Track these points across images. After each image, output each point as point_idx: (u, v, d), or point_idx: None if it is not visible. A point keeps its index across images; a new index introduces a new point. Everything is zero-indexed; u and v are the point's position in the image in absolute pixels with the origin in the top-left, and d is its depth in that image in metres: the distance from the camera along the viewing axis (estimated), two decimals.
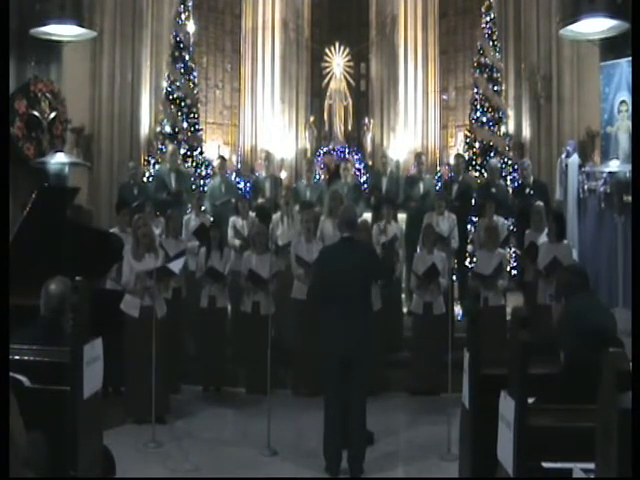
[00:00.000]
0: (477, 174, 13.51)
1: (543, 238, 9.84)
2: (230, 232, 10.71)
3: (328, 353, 6.80)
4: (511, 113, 14.71)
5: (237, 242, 10.56)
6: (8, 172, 4.59)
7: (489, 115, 14.15)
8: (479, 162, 13.72)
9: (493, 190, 11.86)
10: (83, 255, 7.78)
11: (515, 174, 13.13)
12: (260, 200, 12.25)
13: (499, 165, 12.99)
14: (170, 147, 13.32)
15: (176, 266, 8.48)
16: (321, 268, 7.11)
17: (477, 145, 14.08)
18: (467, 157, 13.73)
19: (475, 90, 14.46)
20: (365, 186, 13.93)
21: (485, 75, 14.29)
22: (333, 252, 7.14)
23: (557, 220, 9.76)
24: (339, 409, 6.76)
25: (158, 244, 8.94)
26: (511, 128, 14.61)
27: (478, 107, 14.26)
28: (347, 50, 17.30)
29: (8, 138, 4.84)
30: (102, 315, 7.29)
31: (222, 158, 13.20)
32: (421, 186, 12.14)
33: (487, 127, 14.09)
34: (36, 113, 11.42)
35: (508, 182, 13.11)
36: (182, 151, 13.98)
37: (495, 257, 9.67)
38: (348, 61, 17.37)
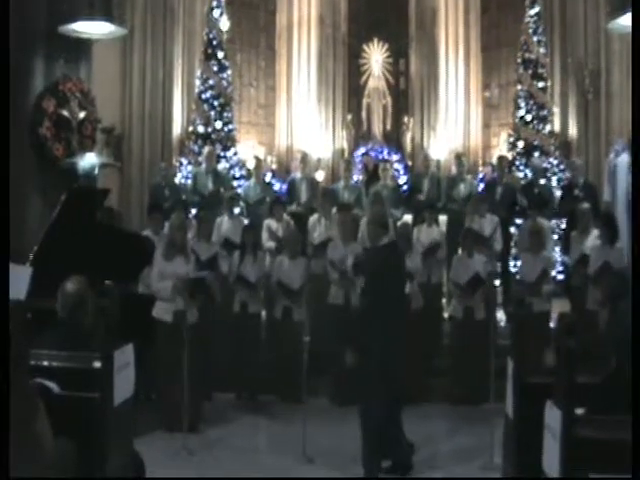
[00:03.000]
0: (521, 175, 13.43)
1: (590, 241, 9.74)
2: (264, 235, 10.74)
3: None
4: (557, 110, 14.62)
5: (271, 244, 10.59)
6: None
7: (534, 113, 14.08)
8: (523, 162, 13.65)
9: (537, 191, 11.78)
10: (114, 258, 7.85)
11: (561, 174, 13.05)
12: (295, 206, 12.22)
13: (544, 165, 12.91)
14: (207, 148, 13.36)
15: (204, 276, 8.52)
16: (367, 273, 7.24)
17: (521, 144, 14.01)
18: (510, 157, 13.66)
19: (519, 87, 14.40)
20: (405, 187, 13.90)
21: (529, 71, 14.23)
22: (379, 255, 7.17)
23: (608, 223, 9.62)
24: (379, 417, 6.76)
25: (190, 247, 8.99)
26: (557, 126, 14.52)
27: (522, 105, 14.20)
28: (386, 46, 17.30)
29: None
30: (134, 320, 7.37)
31: (257, 159, 13.24)
32: (462, 187, 12.09)
33: (531, 125, 14.02)
34: (65, 113, 11.52)
35: (554, 183, 13.02)
36: (215, 151, 14.01)
37: (539, 261, 9.58)
38: (387, 57, 17.36)
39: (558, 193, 12.38)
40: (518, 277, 9.77)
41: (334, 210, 10.88)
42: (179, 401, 7.66)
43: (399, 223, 10.68)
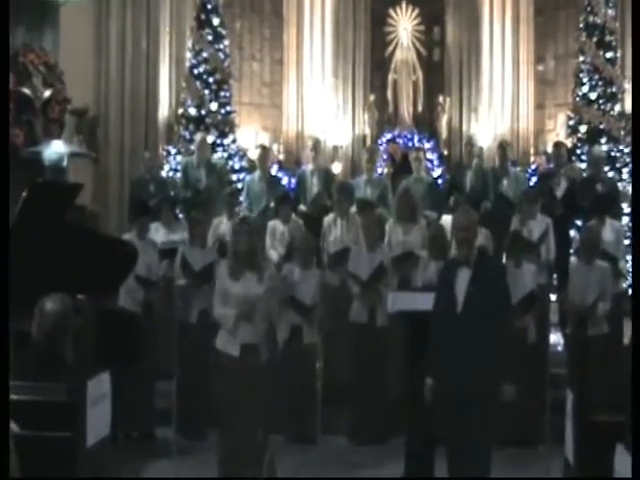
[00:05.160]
0: (584, 165, 13.36)
1: None
2: (268, 240, 10.71)
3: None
4: (628, 87, 14.54)
5: (275, 253, 10.59)
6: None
7: (599, 90, 14.04)
8: (586, 150, 13.58)
9: (598, 186, 11.71)
10: (88, 268, 7.83)
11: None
12: (306, 204, 12.20)
13: (612, 154, 12.87)
14: (199, 135, 13.36)
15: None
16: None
17: (583, 129, 13.96)
18: (570, 144, 13.60)
19: (581, 58, 14.38)
20: (440, 181, 13.87)
21: (594, 39, 14.19)
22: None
23: None
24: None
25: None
26: (628, 106, 14.45)
27: (585, 80, 14.16)
28: (416, 11, 17.32)
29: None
30: (111, 342, 7.36)
31: (263, 147, 13.21)
32: (504, 183, 12.04)
33: (596, 106, 13.98)
34: (27, 91, 11.53)
35: (625, 175, 12.96)
36: (210, 138, 14.01)
37: (594, 272, 9.47)
38: (417, 25, 17.40)
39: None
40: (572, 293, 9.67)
41: (353, 209, 10.87)
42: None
43: (431, 224, 10.64)
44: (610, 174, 12.57)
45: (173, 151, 14.42)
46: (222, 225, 10.86)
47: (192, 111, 14.58)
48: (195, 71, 14.70)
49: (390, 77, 17.37)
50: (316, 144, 13.34)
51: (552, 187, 11.84)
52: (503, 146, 12.77)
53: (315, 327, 9.01)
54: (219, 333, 7.74)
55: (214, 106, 14.60)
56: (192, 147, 13.42)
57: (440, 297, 6.82)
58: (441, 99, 17.24)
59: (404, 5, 17.35)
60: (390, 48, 17.51)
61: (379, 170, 13.94)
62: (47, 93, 11.75)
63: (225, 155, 14.39)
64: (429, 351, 6.74)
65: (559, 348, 10.76)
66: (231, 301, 7.52)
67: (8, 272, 4.58)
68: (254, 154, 13.67)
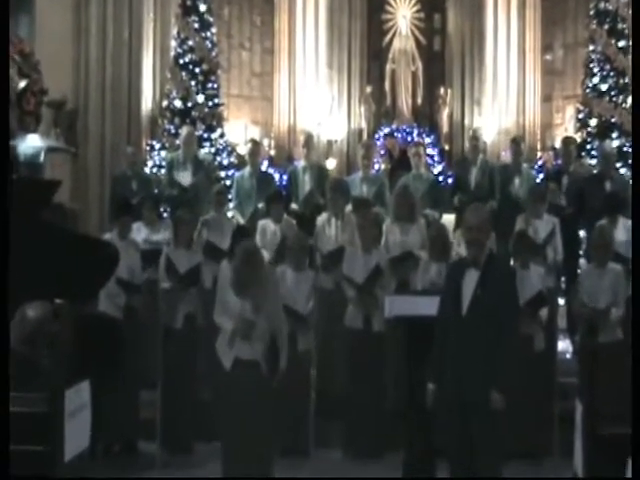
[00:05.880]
0: (594, 162, 13.34)
1: None
2: (258, 240, 10.69)
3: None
4: None
5: (266, 254, 10.55)
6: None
7: (610, 81, 14.02)
8: (597, 145, 13.57)
9: (607, 184, 11.69)
10: (66, 270, 7.81)
11: None
12: (297, 204, 12.20)
13: (624, 149, 12.84)
14: (185, 129, 13.32)
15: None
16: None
17: (594, 122, 13.94)
18: (580, 139, 13.58)
19: (591, 48, 14.35)
20: (441, 178, 13.86)
21: (606, 27, 14.17)
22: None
23: None
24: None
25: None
26: None
27: (595, 71, 14.14)
28: None
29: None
30: (91, 350, 7.35)
31: (253, 142, 13.18)
32: (516, 182, 12.01)
33: (607, 98, 13.96)
34: None
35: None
36: (197, 133, 13.98)
37: (606, 275, 9.45)
38: (417, 11, 17.37)
39: None
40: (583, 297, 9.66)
41: (348, 208, 10.86)
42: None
43: (432, 223, 10.63)
44: (622, 171, 12.53)
45: (157, 146, 14.39)
46: (209, 225, 10.85)
47: (177, 103, 14.55)
48: (180, 61, 14.66)
49: (388, 67, 17.36)
50: (309, 139, 13.32)
51: (559, 184, 11.79)
52: (517, 141, 12.67)
53: (310, 333, 8.98)
54: (219, 336, 7.74)
55: (201, 98, 14.58)
56: (177, 142, 13.37)
57: (446, 299, 6.82)
58: (442, 91, 17.22)
59: None
60: (388, 37, 17.50)
61: (376, 166, 13.92)
62: (22, 84, 11.71)
63: (213, 150, 14.35)
64: (433, 355, 6.74)
65: (567, 356, 10.76)
66: (229, 312, 7.53)
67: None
68: (244, 149, 13.65)
